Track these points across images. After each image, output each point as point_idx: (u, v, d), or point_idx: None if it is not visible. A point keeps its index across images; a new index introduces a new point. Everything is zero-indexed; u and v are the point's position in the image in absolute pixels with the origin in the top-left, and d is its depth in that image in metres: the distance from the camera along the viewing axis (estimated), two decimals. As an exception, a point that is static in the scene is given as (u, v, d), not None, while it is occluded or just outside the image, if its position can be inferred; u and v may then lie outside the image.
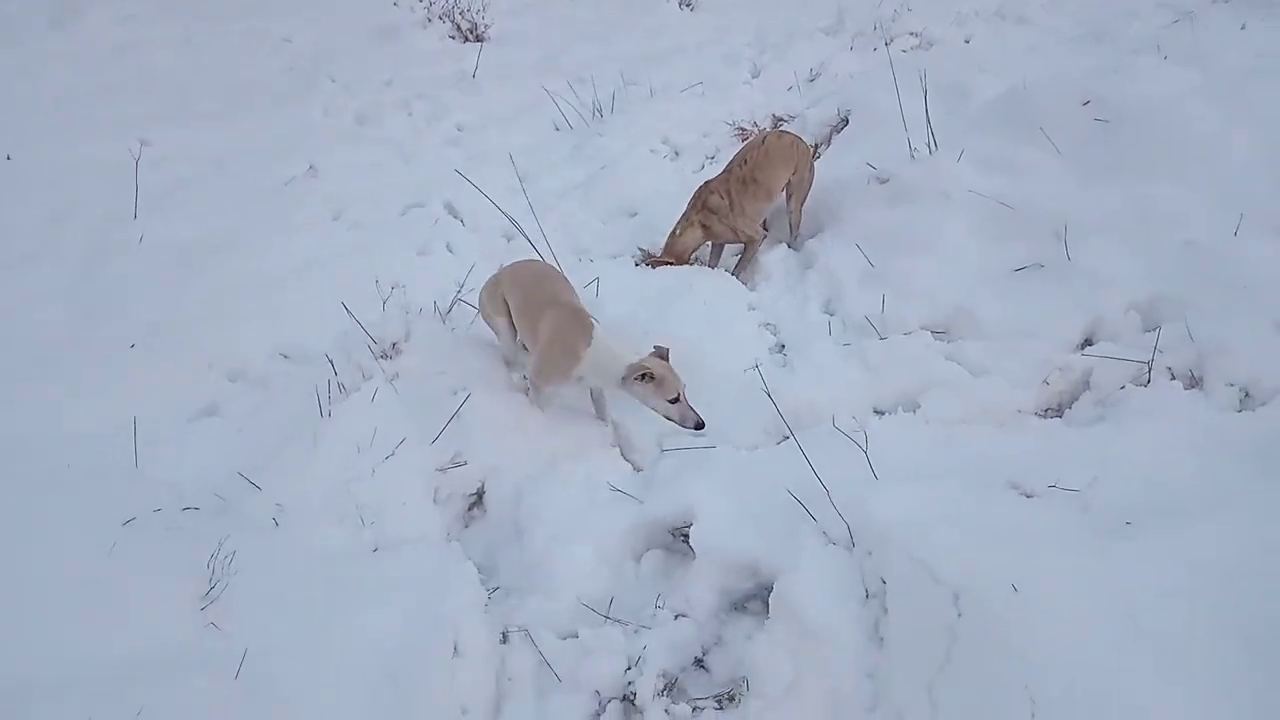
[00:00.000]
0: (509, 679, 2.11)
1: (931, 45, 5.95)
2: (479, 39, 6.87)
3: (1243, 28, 4.95)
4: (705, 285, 3.43)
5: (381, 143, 5.24)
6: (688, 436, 2.82)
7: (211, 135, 5.14)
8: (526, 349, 3.07)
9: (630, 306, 3.33)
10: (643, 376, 2.73)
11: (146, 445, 2.59)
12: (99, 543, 2.05)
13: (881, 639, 1.93)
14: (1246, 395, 2.62)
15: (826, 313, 3.31)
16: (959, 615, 1.83)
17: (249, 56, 6.37)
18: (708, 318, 3.24)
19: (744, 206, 3.61)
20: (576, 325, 2.87)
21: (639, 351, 2.85)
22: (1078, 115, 3.75)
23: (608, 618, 2.24)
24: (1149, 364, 2.69)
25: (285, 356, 3.32)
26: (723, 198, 3.61)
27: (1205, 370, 2.68)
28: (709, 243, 3.75)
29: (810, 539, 2.19)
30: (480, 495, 2.84)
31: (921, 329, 3.10)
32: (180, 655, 1.83)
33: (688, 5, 7.78)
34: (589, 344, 2.83)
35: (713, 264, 3.82)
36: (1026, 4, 6.72)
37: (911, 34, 6.17)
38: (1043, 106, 3.86)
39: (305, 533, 2.40)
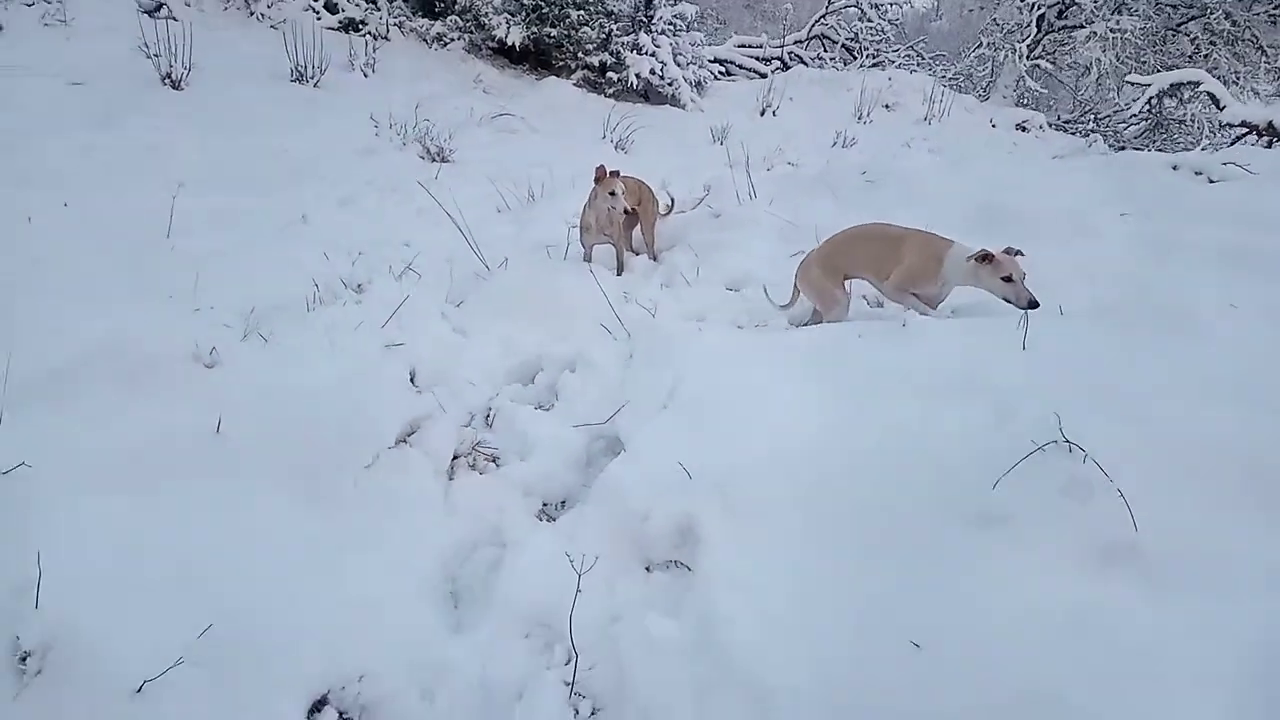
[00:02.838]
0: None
1: (800, 167, 8.19)
2: (444, 160, 9.08)
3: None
4: (582, 270, 5.33)
5: (360, 213, 7.23)
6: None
7: (223, 201, 7.10)
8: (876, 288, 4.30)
9: (533, 273, 5.17)
10: (983, 259, 3.74)
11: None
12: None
13: (633, 368, 3.68)
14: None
15: (664, 284, 5.18)
16: (668, 347, 3.61)
17: (253, 160, 8.47)
18: (586, 287, 5.06)
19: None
20: (936, 240, 4.02)
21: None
22: (857, 180, 5.83)
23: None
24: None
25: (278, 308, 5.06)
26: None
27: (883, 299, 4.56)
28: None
29: (604, 338, 3.97)
30: (413, 375, 4.55)
31: (723, 286, 4.97)
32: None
33: (622, 149, 10.14)
34: (950, 247, 3.95)
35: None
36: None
37: (789, 164, 8.44)
38: (837, 178, 5.96)
39: (294, 350, 4.09)
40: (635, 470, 2.90)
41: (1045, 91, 15.38)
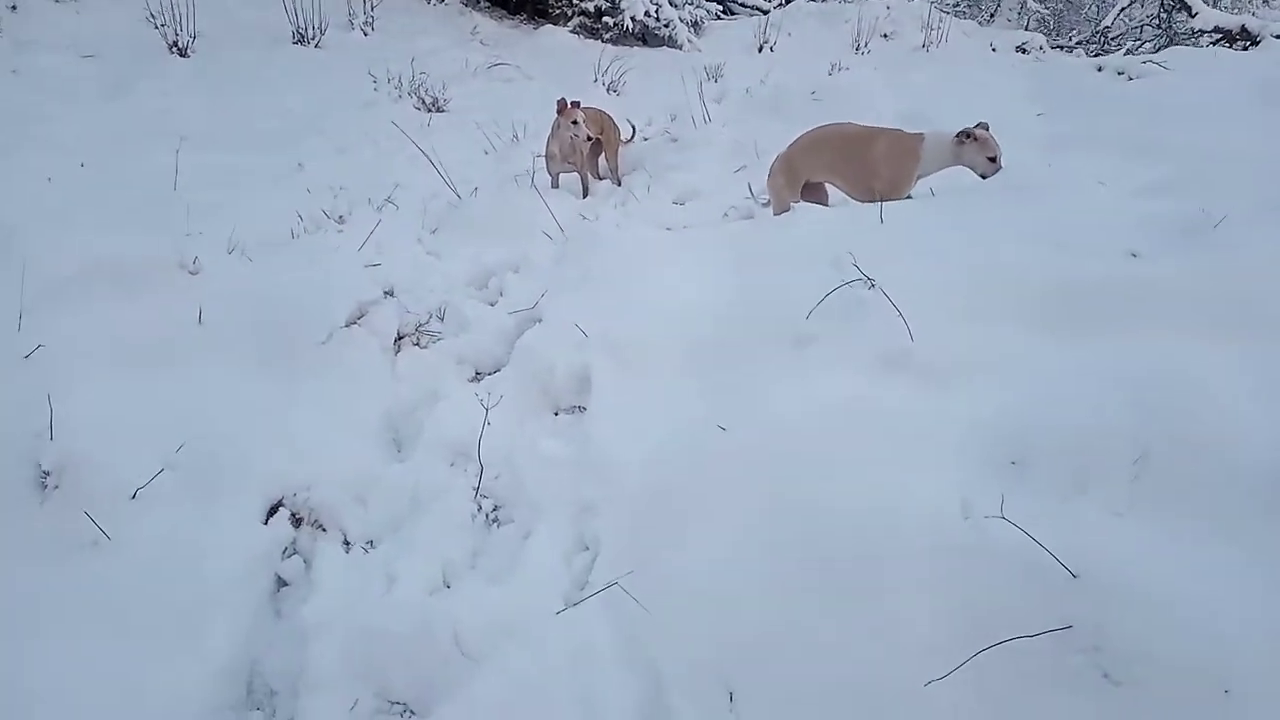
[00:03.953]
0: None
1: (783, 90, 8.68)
2: (439, 110, 9.70)
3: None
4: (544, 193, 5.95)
5: (355, 161, 7.89)
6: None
7: (228, 158, 7.80)
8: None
9: (500, 200, 5.78)
10: (968, 137, 4.19)
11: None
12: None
13: (562, 262, 4.30)
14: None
15: (618, 204, 5.79)
16: (596, 243, 4.22)
17: (256, 118, 9.17)
18: (543, 208, 5.69)
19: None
20: (905, 135, 4.40)
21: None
22: (806, 100, 6.37)
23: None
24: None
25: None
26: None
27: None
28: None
29: (545, 242, 4.60)
30: (391, 291, 5.20)
31: (671, 201, 5.57)
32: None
33: (614, 91, 10.67)
34: (922, 140, 4.32)
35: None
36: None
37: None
38: (787, 97, 6.50)
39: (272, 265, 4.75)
40: (545, 335, 3.57)
41: (1047, 11, 15.58)
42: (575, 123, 5.74)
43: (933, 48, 12.95)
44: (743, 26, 14.37)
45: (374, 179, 7.13)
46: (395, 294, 4.63)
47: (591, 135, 5.81)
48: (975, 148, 4.24)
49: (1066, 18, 17.66)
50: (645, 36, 13.23)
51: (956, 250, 3.27)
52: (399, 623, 2.41)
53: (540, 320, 3.76)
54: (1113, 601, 2.03)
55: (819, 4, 14.92)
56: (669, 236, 4.33)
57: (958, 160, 4.31)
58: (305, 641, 2.44)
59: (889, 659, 2.08)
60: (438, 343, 3.89)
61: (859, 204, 4.12)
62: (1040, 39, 13.43)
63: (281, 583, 2.78)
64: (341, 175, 7.19)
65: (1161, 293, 2.83)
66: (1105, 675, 1.99)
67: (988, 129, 4.27)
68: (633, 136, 6.77)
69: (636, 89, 10.72)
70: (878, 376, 2.80)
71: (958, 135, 4.26)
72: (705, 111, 6.59)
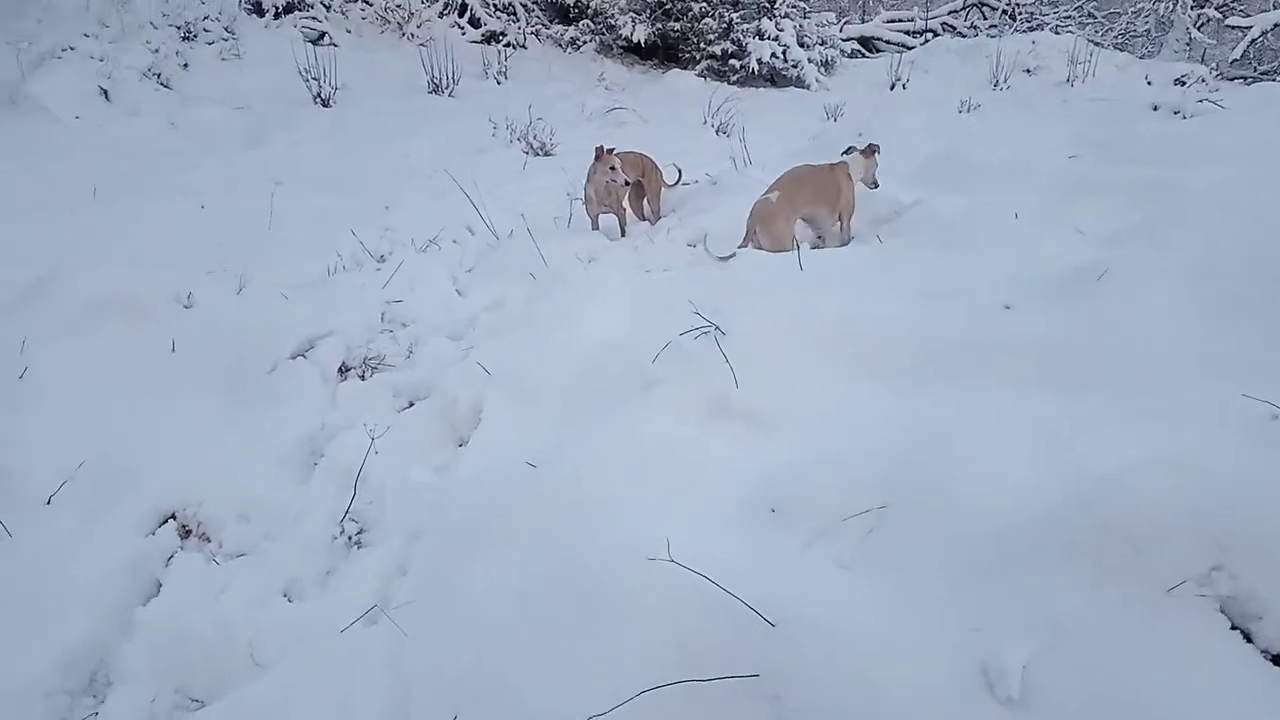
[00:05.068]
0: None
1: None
2: (546, 154, 10.18)
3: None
4: (570, 235, 6.19)
5: (446, 203, 8.41)
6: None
7: (332, 200, 8.50)
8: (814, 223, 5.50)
9: (531, 242, 6.09)
10: (874, 150, 5.44)
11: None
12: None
13: (529, 302, 4.51)
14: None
15: (636, 246, 5.96)
16: (558, 285, 4.41)
17: (372, 164, 9.92)
18: (562, 250, 5.93)
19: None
20: (841, 163, 5.41)
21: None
22: (847, 141, 6.36)
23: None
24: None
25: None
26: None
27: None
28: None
29: (527, 281, 4.82)
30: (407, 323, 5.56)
31: (686, 243, 5.69)
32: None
33: (723, 133, 10.86)
34: (847, 165, 5.40)
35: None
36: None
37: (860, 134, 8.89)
38: (828, 142, 6.50)
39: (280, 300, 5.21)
40: (460, 371, 3.79)
41: (1213, 43, 14.50)
42: (612, 168, 5.99)
43: (1078, 82, 12.46)
44: (878, 65, 14.25)
45: (448, 221, 7.60)
46: (397, 328, 5.00)
47: (628, 180, 6.03)
48: (875, 159, 5.41)
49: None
50: (774, 77, 13.38)
51: (812, 295, 3.30)
52: (209, 628, 2.67)
53: (466, 357, 3.99)
54: (801, 652, 2.03)
55: (961, 40, 14.61)
56: (631, 279, 4.46)
57: (869, 172, 5.45)
58: (131, 638, 2.74)
59: (580, 692, 2.15)
60: (377, 374, 4.17)
61: (778, 255, 4.16)
62: (1202, 70, 12.62)
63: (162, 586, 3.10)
64: (421, 217, 7.70)
65: (1005, 348, 2.81)
66: (776, 722, 1.99)
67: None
68: (678, 180, 6.94)
69: (747, 130, 10.87)
70: (701, 422, 2.88)
71: (866, 149, 5.49)
72: (746, 155, 6.69)
